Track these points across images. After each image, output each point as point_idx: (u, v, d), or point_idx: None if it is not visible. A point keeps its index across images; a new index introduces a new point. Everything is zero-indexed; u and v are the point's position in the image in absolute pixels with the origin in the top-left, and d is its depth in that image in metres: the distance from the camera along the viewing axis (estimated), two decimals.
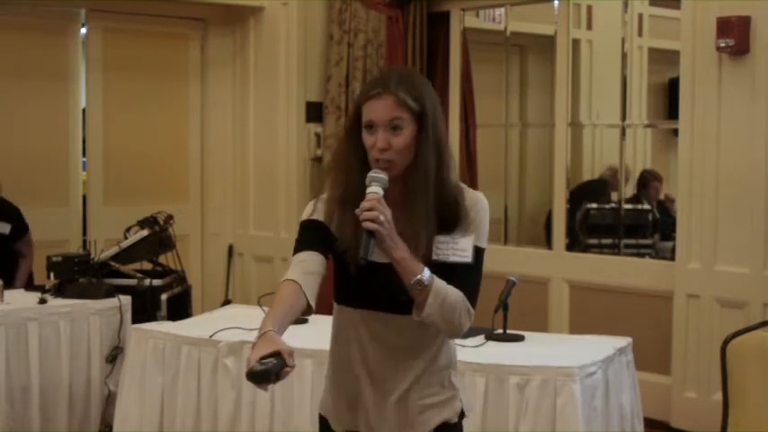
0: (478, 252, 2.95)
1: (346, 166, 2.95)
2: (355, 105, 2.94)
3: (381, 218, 2.75)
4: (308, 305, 2.84)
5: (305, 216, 3.02)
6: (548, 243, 8.15)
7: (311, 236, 2.96)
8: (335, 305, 3.07)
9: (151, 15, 8.58)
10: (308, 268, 2.88)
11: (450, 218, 2.92)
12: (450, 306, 2.85)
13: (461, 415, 3.12)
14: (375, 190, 2.80)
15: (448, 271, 2.88)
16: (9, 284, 6.55)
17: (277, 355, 2.58)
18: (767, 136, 6.28)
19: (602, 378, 4.57)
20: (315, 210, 3.00)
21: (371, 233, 2.76)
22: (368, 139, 2.86)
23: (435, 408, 3.06)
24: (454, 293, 2.86)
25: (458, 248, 2.91)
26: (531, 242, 8.87)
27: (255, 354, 2.59)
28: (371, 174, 2.83)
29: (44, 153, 8.14)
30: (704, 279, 6.58)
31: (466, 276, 2.91)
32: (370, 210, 2.75)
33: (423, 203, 2.87)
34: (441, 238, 2.91)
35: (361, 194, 2.81)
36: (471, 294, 2.91)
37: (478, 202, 3.00)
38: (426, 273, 2.81)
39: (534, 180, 9.22)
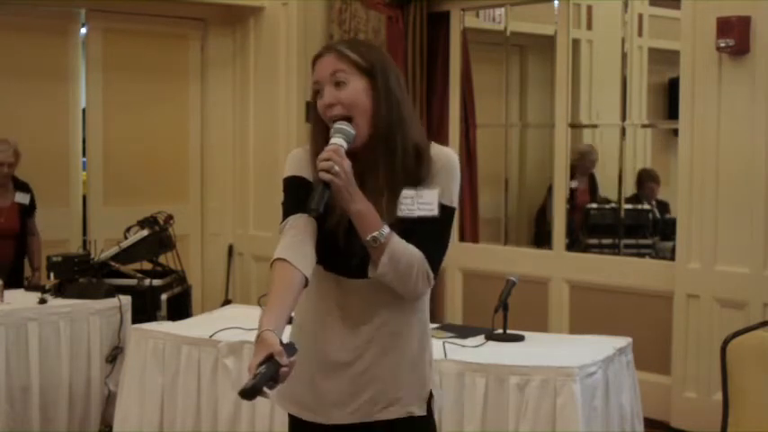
0: (445, 210, 2.83)
1: (314, 129, 2.91)
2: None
3: (336, 168, 2.68)
4: (306, 278, 2.75)
5: (287, 171, 2.95)
6: (536, 240, 8.17)
7: (294, 195, 2.89)
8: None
9: (151, 15, 8.59)
10: (296, 235, 2.80)
11: (416, 173, 2.83)
12: (406, 266, 2.75)
13: (430, 410, 2.98)
14: (336, 141, 2.74)
15: (414, 227, 2.79)
16: (32, 262, 6.89)
17: (270, 358, 2.52)
18: (767, 136, 6.27)
19: (602, 378, 4.56)
20: (297, 163, 2.94)
21: (327, 184, 2.69)
22: (319, 103, 2.85)
23: (399, 395, 2.92)
24: (412, 253, 2.76)
25: (423, 202, 2.81)
26: (530, 242, 8.88)
27: (252, 362, 2.53)
28: (335, 125, 2.78)
29: (44, 153, 8.14)
30: (704, 279, 6.57)
31: (428, 232, 2.80)
32: (326, 160, 2.69)
33: (382, 159, 2.82)
34: (406, 192, 2.81)
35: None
36: (432, 255, 2.80)
37: (445, 156, 2.89)
38: (385, 229, 2.73)
39: (534, 180, 9.22)
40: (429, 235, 2.80)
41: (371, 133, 2.82)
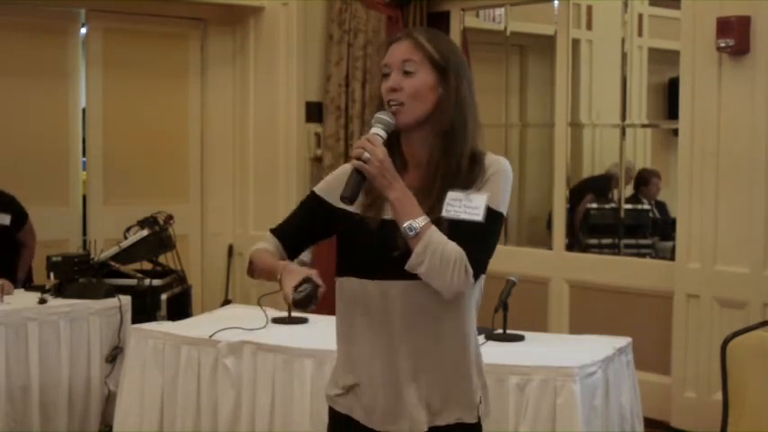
0: (492, 214, 2.78)
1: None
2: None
3: (366, 155, 2.67)
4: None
5: (320, 184, 3.00)
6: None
7: (299, 212, 3.00)
8: (337, 281, 2.94)
9: (151, 15, 8.58)
10: (268, 241, 2.99)
11: (468, 177, 2.80)
12: (442, 257, 2.68)
13: (479, 418, 2.94)
14: (375, 131, 2.75)
15: (458, 230, 2.74)
16: (11, 276, 6.55)
17: (308, 280, 2.64)
18: (767, 136, 6.27)
19: (602, 378, 4.57)
20: (332, 182, 2.95)
21: (360, 172, 2.70)
22: (383, 84, 2.83)
23: (447, 401, 2.88)
24: (453, 247, 2.70)
25: (470, 206, 2.76)
26: (531, 242, 8.88)
27: (287, 285, 2.64)
28: (376, 115, 2.79)
29: (44, 152, 8.14)
30: (704, 279, 6.57)
31: (472, 234, 2.74)
32: (359, 148, 2.70)
33: (436, 157, 2.81)
34: (454, 194, 2.77)
35: (388, 149, 2.76)
36: (475, 255, 2.74)
37: (498, 163, 2.85)
38: (423, 219, 2.70)
39: (534, 180, 9.22)
40: (473, 236, 2.75)
41: (426, 126, 2.82)
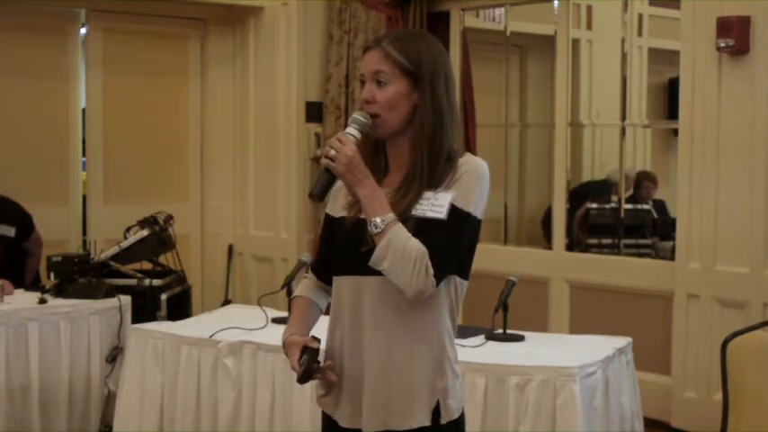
0: (458, 213, 2.80)
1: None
2: None
3: (332, 153, 2.73)
4: (320, 308, 3.10)
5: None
6: (546, 239, 8.16)
7: (321, 248, 3.09)
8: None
9: (151, 15, 8.58)
10: (311, 279, 3.13)
11: (440, 177, 2.83)
12: (404, 255, 2.70)
13: (439, 424, 2.88)
14: (348, 130, 2.79)
15: (422, 228, 2.77)
16: (17, 283, 6.56)
17: (305, 350, 2.80)
18: (767, 136, 6.27)
19: (602, 378, 4.57)
20: (333, 196, 3.01)
21: (329, 170, 2.76)
22: (360, 93, 2.88)
23: (416, 401, 2.86)
24: (414, 246, 2.71)
25: (436, 204, 2.79)
26: (531, 242, 8.88)
27: (292, 361, 2.81)
28: (353, 115, 2.83)
29: (44, 153, 8.14)
30: (704, 279, 6.57)
31: (434, 233, 2.75)
32: (331, 148, 2.75)
33: (411, 159, 2.85)
34: (425, 194, 2.81)
35: (373, 155, 2.89)
36: (438, 253, 2.74)
37: (471, 163, 2.88)
38: (389, 216, 2.74)
39: (534, 180, 9.22)
40: (436, 234, 2.75)
41: (407, 131, 2.86)
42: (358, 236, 2.82)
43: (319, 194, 2.80)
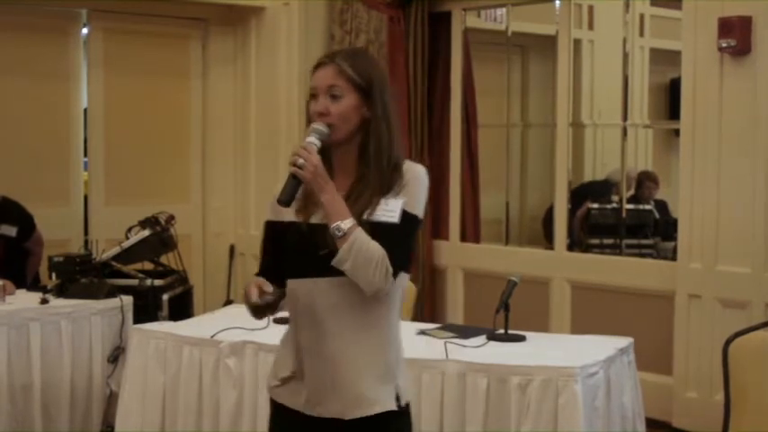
0: (408, 216, 3.02)
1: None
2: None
3: (300, 161, 2.93)
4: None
5: (267, 213, 3.20)
6: (546, 239, 8.16)
7: (265, 255, 3.21)
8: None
9: (152, 15, 8.58)
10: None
11: (388, 184, 3.05)
12: (366, 258, 2.92)
13: (401, 406, 3.11)
14: (310, 140, 2.99)
15: (377, 231, 2.98)
16: (18, 284, 6.57)
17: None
18: None
19: (603, 378, 4.56)
20: (271, 203, 3.12)
21: (296, 177, 2.95)
22: (311, 106, 3.07)
23: (369, 391, 3.07)
24: (375, 248, 2.94)
25: (387, 209, 3.01)
26: (532, 242, 8.88)
27: (251, 294, 3.01)
28: (312, 125, 3.03)
29: (45, 153, 8.15)
30: (706, 279, 6.58)
31: (390, 236, 2.98)
32: (297, 155, 2.94)
33: (362, 168, 3.07)
34: (376, 200, 3.03)
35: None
36: (395, 254, 2.96)
37: (414, 170, 3.11)
38: (350, 221, 2.94)
39: (535, 180, 9.22)
40: (391, 237, 2.98)
41: (353, 141, 3.08)
42: (315, 240, 3.01)
43: (287, 200, 2.98)
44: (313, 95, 3.07)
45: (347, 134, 3.06)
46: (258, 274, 3.16)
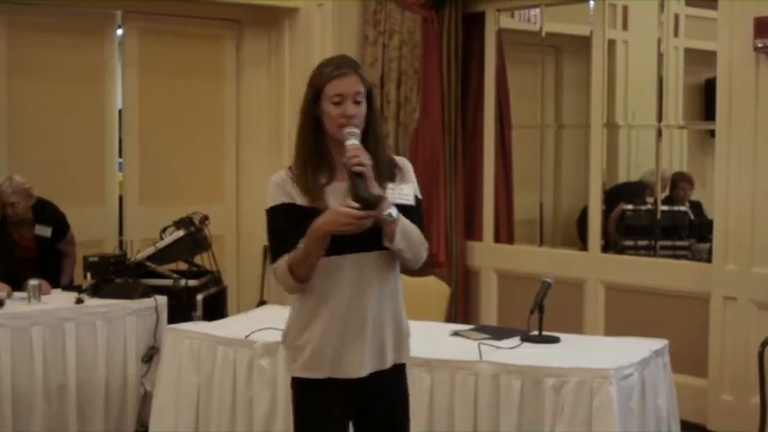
0: (417, 198, 3.61)
1: (306, 137, 3.54)
2: (316, 86, 3.51)
3: (365, 161, 3.37)
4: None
5: (276, 199, 3.53)
6: (581, 240, 8.13)
7: (287, 223, 3.50)
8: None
9: (187, 17, 8.61)
10: None
11: (390, 171, 3.57)
12: (415, 237, 3.49)
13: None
14: (353, 142, 3.41)
15: (404, 212, 3.46)
16: (54, 284, 6.62)
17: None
18: None
19: (638, 380, 4.55)
20: (281, 191, 3.52)
21: (360, 175, 3.35)
22: (335, 109, 3.46)
23: (397, 347, 3.62)
24: (416, 228, 3.52)
25: (402, 193, 3.53)
26: (566, 243, 8.85)
27: (341, 209, 3.33)
28: (347, 131, 3.43)
29: (81, 153, 8.19)
30: (741, 281, 6.54)
31: (413, 217, 3.51)
32: (356, 156, 3.37)
33: (378, 160, 3.50)
34: (388, 185, 3.52)
35: (320, 158, 3.51)
36: (422, 232, 3.55)
37: (405, 161, 3.69)
38: (394, 209, 3.41)
39: (569, 181, 9.19)
40: (413, 218, 3.52)
41: (369, 139, 3.52)
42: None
43: (365, 198, 3.33)
44: (337, 103, 3.46)
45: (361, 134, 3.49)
46: (286, 252, 3.51)
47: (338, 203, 3.36)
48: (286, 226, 3.50)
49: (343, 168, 3.45)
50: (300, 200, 3.47)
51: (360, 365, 3.52)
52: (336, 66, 3.52)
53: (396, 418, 3.70)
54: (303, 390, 3.59)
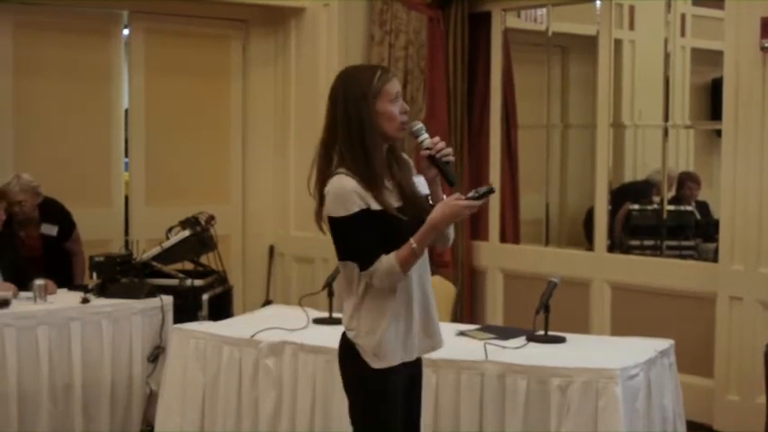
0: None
1: (370, 143, 3.58)
2: (369, 91, 3.57)
3: (448, 149, 3.58)
4: None
5: (354, 206, 3.52)
6: (587, 240, 8.12)
7: (374, 231, 3.55)
8: None
9: (193, 17, 8.61)
10: None
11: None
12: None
13: None
14: (427, 136, 3.63)
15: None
16: (67, 283, 6.62)
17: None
18: None
19: (644, 380, 4.54)
20: (357, 197, 3.53)
21: (448, 162, 3.56)
22: (393, 107, 3.59)
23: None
24: None
25: (420, 184, 3.70)
26: (572, 243, 8.84)
27: (461, 201, 3.48)
28: (415, 127, 3.65)
29: (87, 153, 8.19)
30: (747, 281, 6.53)
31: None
32: (444, 146, 3.57)
33: (398, 157, 3.72)
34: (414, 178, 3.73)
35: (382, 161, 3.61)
36: None
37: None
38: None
39: (575, 181, 9.18)
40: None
41: None
42: (420, 218, 3.54)
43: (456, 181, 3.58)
44: (394, 100, 3.58)
45: None
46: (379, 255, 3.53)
47: (452, 198, 3.50)
48: (372, 230, 3.52)
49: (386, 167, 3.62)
50: (375, 205, 3.52)
51: (426, 346, 3.73)
52: (374, 69, 3.68)
53: (419, 398, 3.88)
54: (380, 380, 3.62)
